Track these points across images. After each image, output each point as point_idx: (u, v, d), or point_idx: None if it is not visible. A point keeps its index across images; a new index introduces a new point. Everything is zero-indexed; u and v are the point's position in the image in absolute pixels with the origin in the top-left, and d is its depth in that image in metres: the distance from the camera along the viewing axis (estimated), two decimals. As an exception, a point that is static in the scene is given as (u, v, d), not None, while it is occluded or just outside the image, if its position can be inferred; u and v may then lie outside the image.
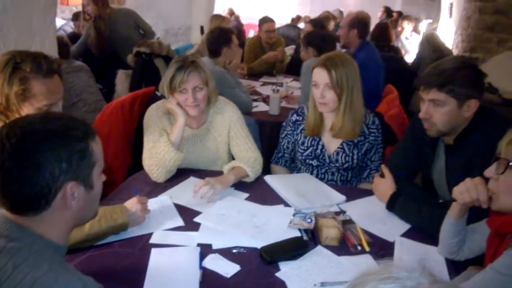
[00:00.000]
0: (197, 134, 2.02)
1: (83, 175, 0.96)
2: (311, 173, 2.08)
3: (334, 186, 1.93)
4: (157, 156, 1.85)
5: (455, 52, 4.71)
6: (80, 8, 5.39)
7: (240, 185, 1.88)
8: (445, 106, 1.49)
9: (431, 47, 4.56)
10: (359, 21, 3.34)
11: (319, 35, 3.11)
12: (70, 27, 5.34)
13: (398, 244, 1.47)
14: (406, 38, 5.63)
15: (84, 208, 1.01)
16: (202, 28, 5.04)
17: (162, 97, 1.94)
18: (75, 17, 4.61)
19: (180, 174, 1.96)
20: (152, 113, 1.98)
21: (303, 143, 2.06)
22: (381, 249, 1.45)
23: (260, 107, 3.23)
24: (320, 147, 2.03)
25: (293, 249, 1.40)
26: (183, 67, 1.81)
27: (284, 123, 2.15)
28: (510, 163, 1.08)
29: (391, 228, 1.58)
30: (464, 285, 1.13)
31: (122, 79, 3.62)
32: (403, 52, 5.46)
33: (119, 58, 4.08)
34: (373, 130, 2.00)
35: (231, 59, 3.05)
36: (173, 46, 4.56)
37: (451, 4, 4.85)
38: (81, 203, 0.98)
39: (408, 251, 1.44)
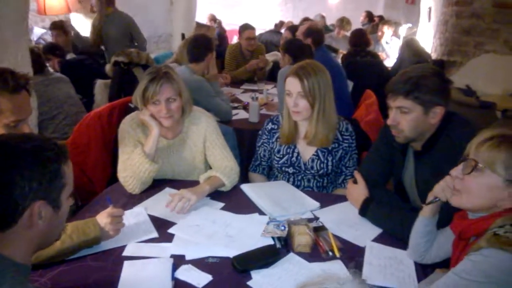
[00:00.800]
0: (172, 145, 2.03)
1: (52, 195, 0.99)
2: (288, 180, 2.11)
3: (310, 192, 1.96)
4: (132, 167, 1.85)
5: (434, 56, 4.80)
6: (59, 17, 5.40)
7: (216, 195, 1.89)
8: (411, 113, 1.53)
9: (411, 51, 4.64)
10: (313, 30, 3.52)
11: (296, 43, 3.16)
12: (49, 36, 5.32)
13: (368, 249, 1.50)
14: (387, 42, 5.71)
15: (50, 229, 1.01)
16: (183, 36, 5.05)
17: (135, 108, 1.95)
18: (53, 26, 4.60)
19: (156, 185, 1.96)
20: (126, 125, 1.98)
21: (278, 151, 2.08)
22: (352, 254, 1.48)
23: (241, 114, 3.25)
24: (295, 154, 2.05)
25: (265, 257, 1.42)
26: (155, 78, 1.82)
27: (260, 132, 2.17)
28: (478, 165, 1.12)
29: (363, 233, 1.61)
30: (427, 289, 1.16)
31: (101, 89, 3.62)
32: (383, 56, 5.54)
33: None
34: (347, 137, 2.03)
35: (209, 68, 3.06)
36: (154, 53, 4.58)
37: (430, 9, 4.94)
38: (47, 223, 0.99)
39: (378, 256, 1.46)
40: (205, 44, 3.07)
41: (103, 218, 1.50)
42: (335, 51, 5.31)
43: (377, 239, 1.58)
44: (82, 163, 2.68)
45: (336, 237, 1.57)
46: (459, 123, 1.57)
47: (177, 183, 1.98)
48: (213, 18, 7.80)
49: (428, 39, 5.03)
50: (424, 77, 1.50)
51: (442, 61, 4.54)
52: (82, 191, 2.69)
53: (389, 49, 5.63)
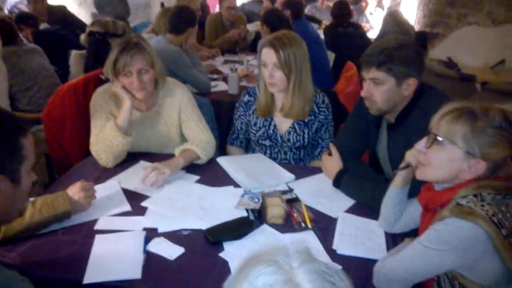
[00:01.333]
0: (146, 117, 1.99)
1: (10, 169, 0.96)
2: (265, 153, 2.10)
3: (286, 165, 1.96)
4: (104, 141, 1.82)
5: (417, 27, 4.77)
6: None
7: (192, 168, 1.88)
8: (384, 85, 1.52)
9: (394, 22, 4.59)
10: (292, 2, 3.47)
11: (275, 14, 3.09)
12: (24, 6, 5.10)
13: (340, 219, 1.52)
14: (370, 13, 5.65)
15: (9, 204, 0.99)
16: (162, 5, 4.90)
17: (107, 80, 1.90)
18: None
19: (131, 159, 1.94)
20: (99, 97, 1.93)
21: (255, 124, 2.06)
22: (325, 224, 1.50)
23: (220, 86, 3.21)
24: (272, 127, 2.04)
25: (237, 229, 1.43)
26: (126, 49, 1.76)
27: (237, 104, 2.14)
28: (438, 138, 1.13)
29: (337, 204, 1.63)
30: (393, 258, 1.18)
31: (76, 60, 3.50)
32: (367, 27, 5.49)
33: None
34: (323, 109, 2.02)
35: (187, 39, 2.98)
36: (132, 23, 4.44)
37: (413, -21, 4.88)
38: (5, 197, 0.97)
39: (349, 226, 1.48)
40: (188, 17, 2.98)
41: (74, 191, 1.48)
42: (318, 22, 5.24)
43: (350, 210, 1.60)
44: (58, 136, 2.63)
45: (309, 209, 1.58)
46: (432, 95, 1.57)
47: (152, 156, 1.96)
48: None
49: (412, 10, 4.98)
50: (398, 48, 1.48)
51: (425, 33, 4.52)
52: (60, 164, 2.66)
53: (373, 20, 5.57)
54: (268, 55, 1.87)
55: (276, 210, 1.50)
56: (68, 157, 2.66)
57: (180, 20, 2.91)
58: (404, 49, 1.49)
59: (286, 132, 2.03)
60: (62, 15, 4.53)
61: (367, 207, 1.59)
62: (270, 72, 1.88)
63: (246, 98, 2.09)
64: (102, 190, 1.68)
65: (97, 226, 1.47)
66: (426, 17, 4.49)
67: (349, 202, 1.65)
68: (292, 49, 1.85)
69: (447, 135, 1.12)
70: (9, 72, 3.15)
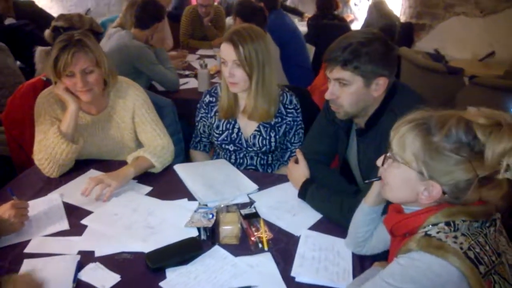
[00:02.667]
0: (97, 121, 1.80)
1: None
2: (229, 158, 1.93)
3: (251, 172, 1.80)
4: (47, 149, 1.64)
5: (402, 18, 4.59)
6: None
7: (146, 177, 1.71)
8: (351, 86, 1.34)
9: (378, 13, 4.42)
10: None
11: (248, 5, 2.90)
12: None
13: (303, 239, 1.35)
14: (355, 4, 5.46)
15: None
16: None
17: (49, 81, 1.71)
18: None
19: (80, 167, 1.76)
20: (43, 100, 1.75)
21: (218, 127, 1.89)
22: (284, 245, 1.33)
23: (191, 83, 3.02)
24: (236, 130, 1.87)
25: (184, 252, 1.26)
26: (67, 47, 1.57)
27: (198, 105, 1.96)
28: (389, 154, 0.97)
29: (300, 219, 1.46)
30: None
31: (41, 57, 3.26)
32: (351, 17, 5.31)
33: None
34: (291, 110, 1.85)
35: (153, 35, 2.78)
36: (105, 17, 4.22)
37: (398, -32, 4.71)
38: None
39: (312, 246, 1.32)
40: (154, 12, 2.78)
41: (5, 211, 1.31)
42: (300, 14, 5.04)
43: (315, 226, 1.43)
44: (19, 138, 2.49)
45: (270, 225, 1.41)
46: (404, 95, 1.40)
47: (104, 164, 1.79)
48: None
49: (397, 1, 4.81)
50: (365, 43, 1.30)
51: (411, 24, 4.35)
52: (21, 167, 2.48)
53: (358, 11, 5.39)
54: (227, 51, 1.69)
55: (229, 228, 1.33)
56: (29, 160, 2.50)
57: (146, 14, 2.72)
58: (372, 44, 1.31)
59: (252, 135, 1.85)
60: (30, 10, 4.29)
61: (334, 222, 1.42)
62: (229, 70, 1.70)
63: (207, 98, 1.91)
64: (41, 204, 1.51)
65: (28, 249, 1.30)
66: (412, 8, 4.32)
67: (316, 216, 1.48)
68: (253, 45, 1.67)
69: (398, 151, 0.95)
70: None
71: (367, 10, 4.71)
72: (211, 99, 1.91)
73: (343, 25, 4.20)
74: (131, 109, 1.80)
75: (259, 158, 1.92)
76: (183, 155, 2.15)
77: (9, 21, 3.88)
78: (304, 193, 1.53)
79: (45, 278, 1.17)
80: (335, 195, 1.45)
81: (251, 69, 1.69)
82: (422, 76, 3.82)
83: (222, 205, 1.46)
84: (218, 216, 1.40)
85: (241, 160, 1.92)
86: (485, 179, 0.88)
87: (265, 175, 1.82)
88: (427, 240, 0.89)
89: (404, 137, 0.93)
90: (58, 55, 1.57)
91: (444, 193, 0.91)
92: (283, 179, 1.71)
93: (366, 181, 1.17)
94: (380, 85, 1.35)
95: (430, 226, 0.92)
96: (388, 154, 0.99)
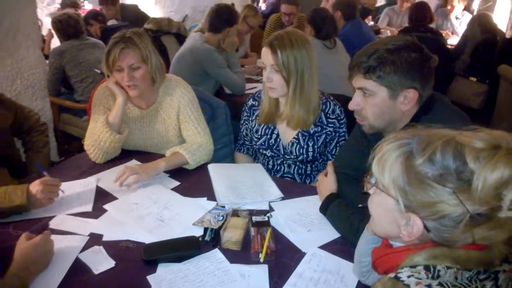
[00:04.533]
0: (146, 115, 1.90)
1: None
2: (267, 164, 1.88)
3: (286, 181, 1.73)
4: (93, 136, 1.76)
5: (509, 34, 4.06)
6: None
7: (178, 172, 1.74)
8: (375, 96, 1.20)
9: (480, 27, 3.98)
10: (343, 3, 3.27)
11: (320, 14, 2.83)
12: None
13: (308, 256, 1.24)
14: (457, 18, 4.98)
15: None
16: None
17: (102, 74, 1.84)
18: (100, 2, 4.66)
19: (124, 156, 1.87)
20: (100, 92, 1.89)
21: (257, 131, 1.85)
22: (287, 259, 1.24)
23: (259, 88, 3.00)
24: (274, 136, 1.81)
25: (180, 249, 1.24)
26: (117, 43, 1.68)
27: (243, 108, 1.95)
28: (365, 179, 0.83)
29: (314, 236, 1.35)
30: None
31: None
32: (449, 33, 4.85)
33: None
34: (332, 120, 1.73)
35: (224, 39, 2.85)
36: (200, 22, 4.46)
37: (511, -21, 4.18)
38: None
39: (315, 267, 1.20)
40: (226, 16, 2.85)
41: (35, 186, 1.43)
42: (377, 32, 4.73)
43: (328, 245, 1.31)
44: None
45: (280, 237, 1.33)
46: (442, 111, 1.21)
47: (146, 156, 1.87)
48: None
49: (505, 14, 4.27)
50: (392, 51, 1.16)
51: (516, 40, 3.83)
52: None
53: (459, 26, 4.90)
54: (265, 55, 1.65)
55: (232, 233, 1.28)
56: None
57: (218, 19, 2.80)
58: (401, 52, 1.16)
59: (290, 143, 1.78)
60: (134, 13, 4.73)
61: (349, 243, 1.29)
62: (268, 74, 1.66)
63: (250, 102, 1.89)
64: (77, 186, 1.63)
65: (51, 224, 1.40)
66: (521, 22, 3.81)
67: (332, 235, 1.35)
68: (292, 51, 1.60)
69: (377, 175, 0.80)
70: (69, 64, 3.36)
71: (467, 23, 4.28)
72: (254, 102, 1.88)
73: (434, 38, 3.86)
74: (177, 107, 1.86)
75: (296, 167, 1.84)
76: (233, 156, 2.15)
77: (111, 22, 4.30)
78: (325, 208, 1.42)
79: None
80: (356, 215, 1.32)
81: (289, 75, 1.63)
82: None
83: (238, 207, 1.42)
84: (227, 219, 1.36)
85: (278, 167, 1.86)
86: (480, 217, 0.70)
87: (296, 185, 1.74)
88: (393, 283, 0.72)
89: (384, 159, 0.78)
90: (110, 50, 1.69)
91: (427, 230, 0.75)
92: (313, 191, 1.61)
93: (360, 205, 1.01)
94: (409, 98, 1.19)
95: (407, 267, 0.75)
96: (367, 177, 0.86)
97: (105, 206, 1.49)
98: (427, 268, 0.73)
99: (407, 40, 1.21)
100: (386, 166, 0.78)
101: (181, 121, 1.88)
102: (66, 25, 3.36)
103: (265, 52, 1.65)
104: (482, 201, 0.69)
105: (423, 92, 1.19)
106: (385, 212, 0.82)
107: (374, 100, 1.21)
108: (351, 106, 1.27)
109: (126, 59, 1.69)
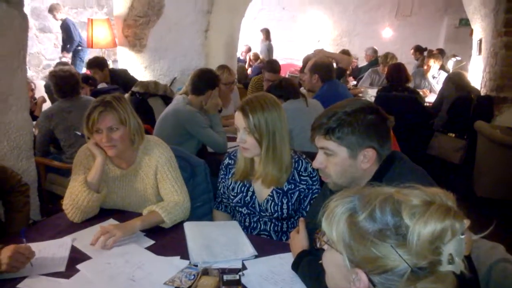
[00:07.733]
0: (126, 175, 1.94)
1: None
2: (244, 221, 1.91)
3: (261, 239, 1.75)
4: (71, 195, 1.80)
5: (483, 91, 4.27)
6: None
7: (154, 231, 1.76)
8: (336, 156, 1.28)
9: (455, 85, 4.20)
10: (320, 66, 3.47)
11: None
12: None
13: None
14: (434, 77, 5.24)
15: None
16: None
17: (82, 136, 1.92)
18: (88, 66, 4.86)
19: (103, 215, 1.89)
20: (81, 153, 1.96)
21: (233, 189, 1.90)
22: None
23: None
24: (250, 193, 1.86)
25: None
26: (96, 107, 1.77)
27: (220, 167, 2.01)
28: (316, 235, 0.87)
29: (285, 294, 1.36)
30: None
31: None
32: (427, 92, 5.09)
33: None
34: (305, 178, 1.79)
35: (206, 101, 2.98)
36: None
37: (480, 40, 4.45)
38: None
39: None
40: (208, 80, 2.99)
41: (7, 251, 1.43)
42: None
43: (298, 304, 1.32)
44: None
45: (250, 295, 1.34)
46: (401, 168, 1.28)
47: (124, 215, 1.89)
48: (248, 50, 7.87)
49: (478, 73, 4.51)
50: (350, 113, 1.25)
51: (490, 97, 4.02)
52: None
53: (436, 84, 5.15)
54: (238, 119, 1.75)
55: (200, 292, 1.29)
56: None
57: (200, 82, 2.94)
58: (358, 114, 1.25)
59: (265, 200, 1.82)
60: (123, 78, 4.93)
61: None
62: (241, 136, 1.75)
63: (227, 161, 1.96)
64: (53, 245, 1.63)
65: (20, 285, 1.40)
66: (492, 80, 4.01)
67: (303, 292, 1.37)
68: (263, 114, 1.70)
69: (326, 230, 0.84)
70: (57, 128, 3.31)
71: (443, 81, 4.50)
72: (230, 161, 1.95)
73: (410, 97, 4.05)
74: (155, 166, 1.91)
75: (273, 224, 1.86)
76: (211, 214, 2.17)
77: (102, 85, 4.47)
78: (296, 265, 1.44)
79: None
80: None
81: (261, 136, 1.71)
82: (500, 153, 3.44)
83: (208, 266, 1.43)
84: (198, 278, 1.37)
85: (255, 225, 1.89)
86: (422, 271, 0.73)
87: (272, 242, 1.75)
88: None
89: (331, 215, 0.83)
90: (89, 114, 1.78)
91: (373, 284, 0.78)
92: (288, 248, 1.62)
93: (320, 261, 1.04)
94: (368, 157, 1.26)
95: None
96: (319, 234, 0.90)
97: (78, 266, 1.49)
98: None
99: (363, 103, 1.31)
100: (333, 222, 0.82)
101: (158, 180, 1.92)
102: (65, 83, 3.32)
103: (238, 115, 1.75)
104: (420, 255, 0.73)
105: (382, 151, 1.27)
106: (336, 268, 0.85)
107: (336, 159, 1.28)
108: (315, 165, 1.34)
109: (104, 121, 1.77)
